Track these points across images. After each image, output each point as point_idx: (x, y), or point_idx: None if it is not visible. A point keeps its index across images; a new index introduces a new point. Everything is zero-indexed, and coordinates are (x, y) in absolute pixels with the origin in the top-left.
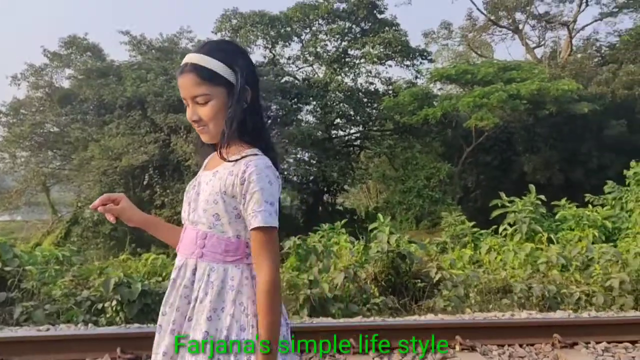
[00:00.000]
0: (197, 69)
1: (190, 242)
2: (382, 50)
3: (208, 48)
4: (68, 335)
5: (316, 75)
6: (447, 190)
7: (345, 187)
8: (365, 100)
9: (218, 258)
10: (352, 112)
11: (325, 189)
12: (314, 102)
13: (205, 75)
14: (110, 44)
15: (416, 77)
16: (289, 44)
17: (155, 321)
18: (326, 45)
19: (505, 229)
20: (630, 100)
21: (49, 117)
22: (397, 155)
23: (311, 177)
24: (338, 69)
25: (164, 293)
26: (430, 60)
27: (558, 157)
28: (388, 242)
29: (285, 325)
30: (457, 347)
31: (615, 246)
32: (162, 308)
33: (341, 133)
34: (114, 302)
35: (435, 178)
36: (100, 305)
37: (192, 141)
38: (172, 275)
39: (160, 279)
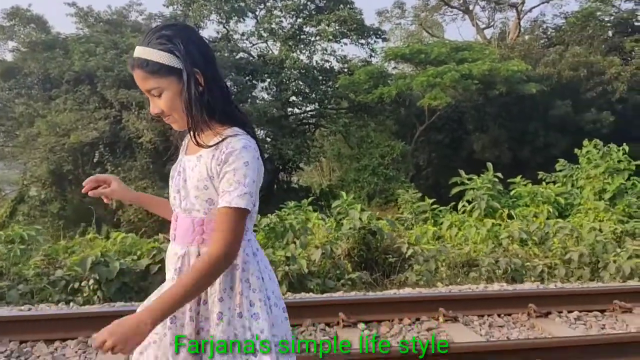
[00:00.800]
0: (142, 64)
1: (187, 230)
2: (337, 28)
3: (149, 38)
4: (61, 314)
5: (271, 52)
6: (400, 168)
7: (301, 165)
8: (320, 78)
9: None
10: (307, 90)
11: (281, 167)
12: (269, 79)
13: (150, 68)
14: (56, 15)
15: (371, 56)
16: (243, 20)
17: (134, 299)
18: (281, 21)
19: (464, 206)
20: (576, 81)
21: None
22: (352, 133)
23: (266, 155)
24: (293, 46)
25: (141, 271)
26: (385, 39)
27: (507, 135)
28: (360, 219)
29: (283, 322)
30: (441, 319)
31: (569, 221)
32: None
33: (297, 111)
34: (91, 281)
35: (389, 156)
36: (76, 285)
37: (145, 117)
38: (176, 266)
39: (135, 257)
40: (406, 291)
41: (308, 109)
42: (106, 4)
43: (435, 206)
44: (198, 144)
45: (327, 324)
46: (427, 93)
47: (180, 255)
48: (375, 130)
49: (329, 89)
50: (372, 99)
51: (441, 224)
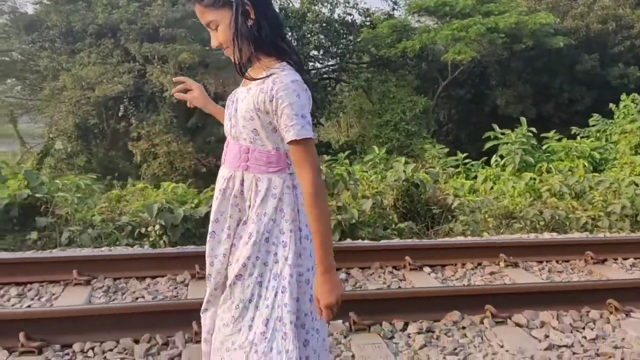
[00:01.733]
0: None
1: (235, 156)
2: None
3: None
4: (150, 253)
5: (292, 5)
6: (421, 123)
7: (322, 120)
8: (342, 31)
9: (262, 169)
10: (329, 44)
11: None
12: (290, 33)
13: (206, 2)
14: None
15: (393, 9)
16: None
17: (196, 244)
18: None
19: (496, 160)
20: (604, 35)
21: (14, 44)
22: (374, 88)
23: None
24: None
25: (200, 218)
26: None
27: (531, 91)
28: (404, 171)
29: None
30: (502, 264)
31: (605, 175)
32: (212, 216)
33: (318, 65)
34: (157, 227)
35: (411, 112)
36: (142, 230)
37: (168, 72)
38: (221, 187)
39: (192, 205)
40: (465, 239)
41: (329, 63)
42: None
43: (467, 161)
44: (244, 76)
45: (395, 267)
46: (451, 47)
47: (226, 177)
48: (397, 85)
49: (350, 43)
50: (395, 53)
51: (474, 178)
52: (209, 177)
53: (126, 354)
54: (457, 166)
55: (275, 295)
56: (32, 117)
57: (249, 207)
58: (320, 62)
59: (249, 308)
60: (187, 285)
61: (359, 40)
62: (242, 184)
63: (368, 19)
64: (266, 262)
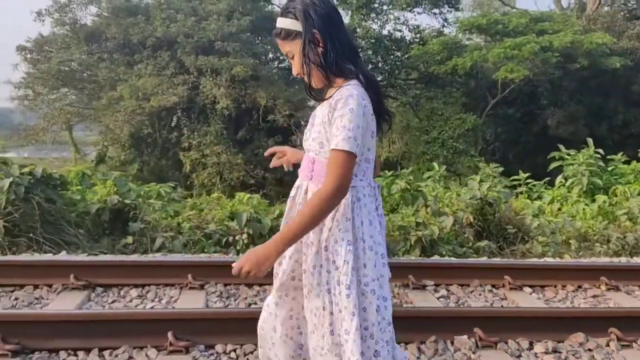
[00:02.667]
0: (278, 32)
1: (305, 166)
2: None
3: (283, 9)
4: None
5: None
6: (469, 141)
7: None
8: (391, 47)
9: (322, 181)
10: (378, 60)
11: None
12: None
13: (282, 35)
14: None
15: (443, 26)
16: None
17: None
18: None
19: (561, 182)
20: None
21: (74, 54)
22: (422, 105)
23: None
24: (366, 15)
25: None
26: (457, 9)
27: (584, 111)
28: (479, 189)
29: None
30: (603, 287)
31: None
32: (284, 220)
33: None
34: (245, 236)
35: (460, 129)
36: (230, 239)
37: (221, 84)
38: (292, 194)
39: (274, 216)
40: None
41: (377, 79)
42: None
43: (529, 181)
44: (312, 98)
45: (493, 286)
46: (504, 65)
47: (296, 186)
48: (446, 103)
49: (398, 59)
50: (445, 70)
51: (536, 198)
52: (257, 189)
53: None
54: (514, 186)
55: (343, 302)
56: (87, 125)
57: None
58: None
59: (324, 315)
60: None
61: (407, 56)
62: (306, 192)
63: (418, 35)
64: (329, 269)
